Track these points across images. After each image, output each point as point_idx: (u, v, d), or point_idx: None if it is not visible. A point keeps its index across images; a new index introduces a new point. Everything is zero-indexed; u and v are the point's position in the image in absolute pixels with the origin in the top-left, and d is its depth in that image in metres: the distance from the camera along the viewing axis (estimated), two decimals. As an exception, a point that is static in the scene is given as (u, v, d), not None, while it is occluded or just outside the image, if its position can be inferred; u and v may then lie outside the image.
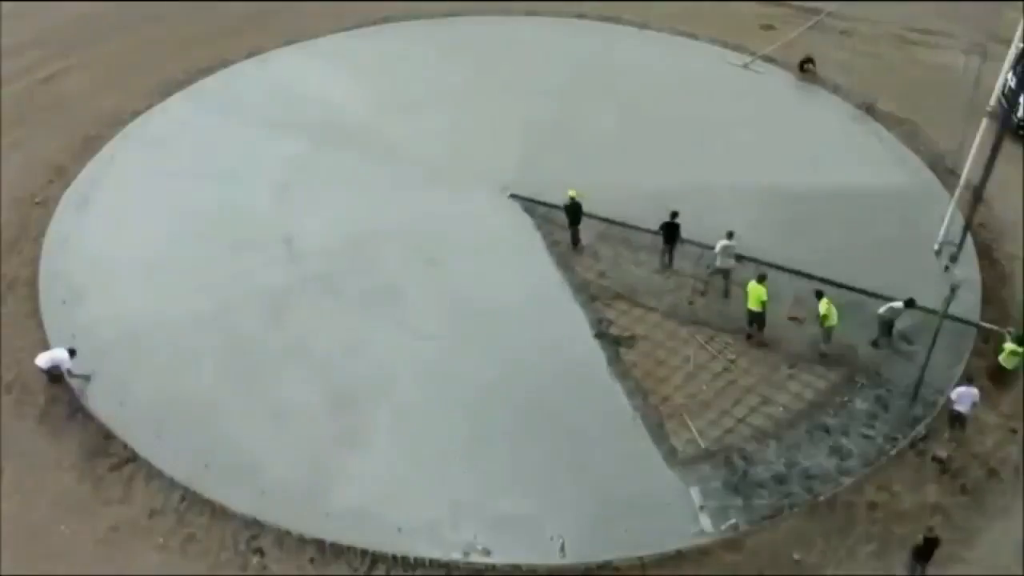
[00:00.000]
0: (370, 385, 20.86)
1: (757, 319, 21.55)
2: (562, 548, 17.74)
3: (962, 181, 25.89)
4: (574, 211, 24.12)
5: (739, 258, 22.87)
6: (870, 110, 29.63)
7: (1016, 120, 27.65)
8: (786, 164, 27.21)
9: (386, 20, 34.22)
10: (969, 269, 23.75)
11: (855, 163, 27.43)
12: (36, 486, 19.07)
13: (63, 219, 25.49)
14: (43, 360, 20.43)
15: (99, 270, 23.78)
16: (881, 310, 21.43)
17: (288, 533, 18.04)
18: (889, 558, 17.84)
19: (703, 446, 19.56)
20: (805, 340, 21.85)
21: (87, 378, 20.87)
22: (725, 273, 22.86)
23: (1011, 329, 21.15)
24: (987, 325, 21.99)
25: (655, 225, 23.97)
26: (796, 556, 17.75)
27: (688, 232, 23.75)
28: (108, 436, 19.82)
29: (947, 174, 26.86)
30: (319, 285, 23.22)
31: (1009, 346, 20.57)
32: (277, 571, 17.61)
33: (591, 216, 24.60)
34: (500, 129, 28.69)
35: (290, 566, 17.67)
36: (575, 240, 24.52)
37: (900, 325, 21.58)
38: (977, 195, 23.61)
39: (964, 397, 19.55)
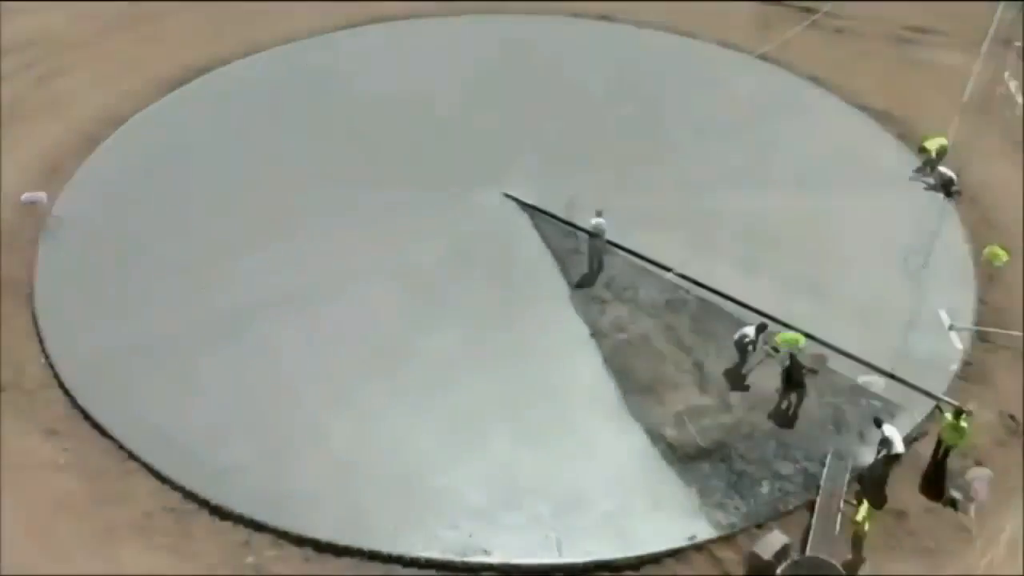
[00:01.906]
0: (369, 386, 20.82)
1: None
2: (559, 547, 17.75)
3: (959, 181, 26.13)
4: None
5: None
6: (884, 118, 29.52)
7: None
8: (785, 165, 27.32)
9: (384, 19, 34.23)
10: (966, 271, 23.88)
11: (850, 162, 27.47)
12: (34, 486, 19.00)
13: (61, 219, 25.34)
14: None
15: (97, 270, 23.74)
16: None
17: (285, 533, 18.00)
18: (889, 558, 17.87)
19: (702, 445, 19.57)
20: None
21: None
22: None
23: (970, 408, 19.57)
24: (947, 399, 20.36)
25: (651, 228, 24.14)
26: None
27: (685, 249, 24.07)
28: (106, 435, 19.78)
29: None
30: (320, 285, 23.15)
31: (948, 416, 18.98)
32: (274, 571, 17.57)
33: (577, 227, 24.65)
34: (497, 128, 28.74)
35: (287, 566, 17.63)
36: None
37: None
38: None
39: (980, 481, 18.85)
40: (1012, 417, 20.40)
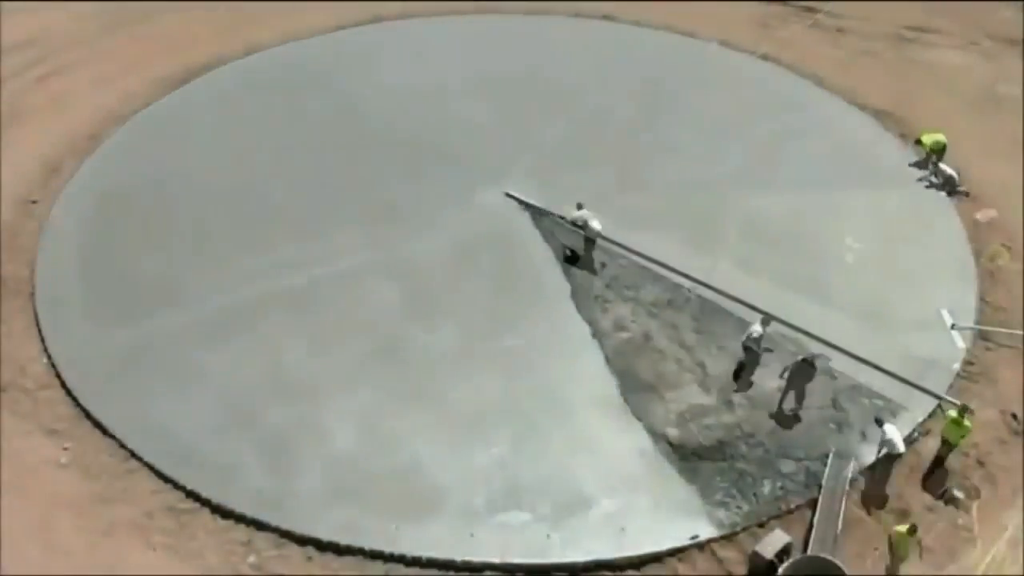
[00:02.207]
0: (370, 385, 20.78)
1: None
2: (559, 546, 17.71)
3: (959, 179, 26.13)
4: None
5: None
6: (885, 117, 29.44)
7: None
8: (786, 164, 27.32)
9: (384, 19, 34.25)
10: (967, 271, 23.89)
11: (851, 161, 27.48)
12: (35, 485, 19.00)
13: (61, 218, 25.39)
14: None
15: (98, 270, 23.73)
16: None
17: (287, 532, 18.01)
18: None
19: (704, 444, 19.54)
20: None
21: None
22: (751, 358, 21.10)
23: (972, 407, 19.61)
24: (950, 399, 20.31)
25: (651, 227, 24.29)
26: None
27: (685, 248, 24.00)
28: (108, 435, 19.78)
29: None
30: (331, 286, 23.14)
31: (952, 413, 18.92)
32: (276, 570, 17.57)
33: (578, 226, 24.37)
34: (499, 127, 28.75)
35: (289, 565, 17.63)
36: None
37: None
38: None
39: None
40: (1014, 416, 20.42)
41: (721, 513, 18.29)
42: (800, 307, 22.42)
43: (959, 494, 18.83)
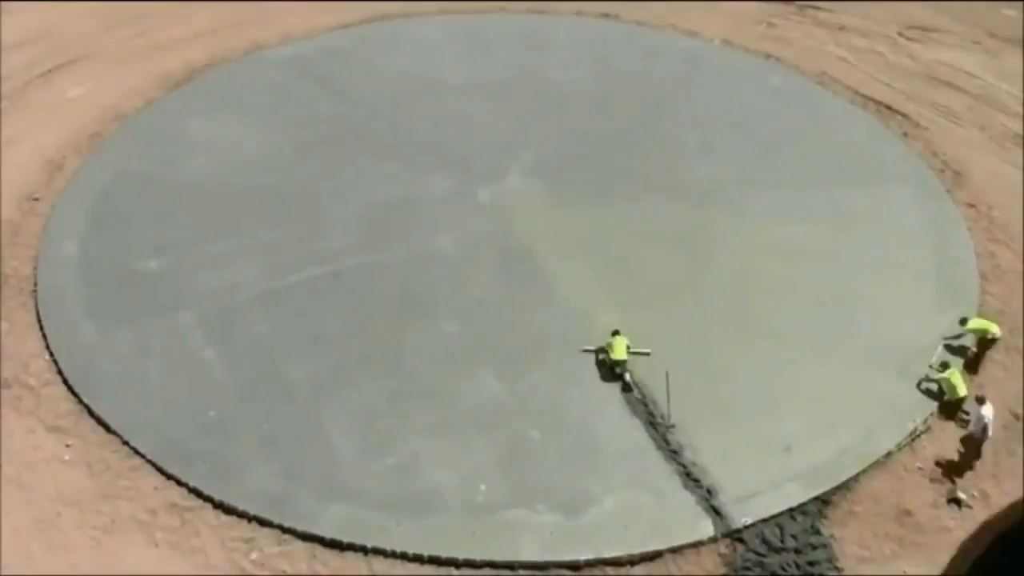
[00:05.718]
0: (373, 383, 20.83)
1: None
2: (562, 543, 17.72)
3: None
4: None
5: None
6: (887, 117, 29.41)
7: None
8: (788, 163, 27.35)
9: (385, 18, 34.29)
10: (968, 269, 23.90)
11: (853, 161, 27.49)
12: (36, 482, 19.02)
13: (63, 216, 25.40)
14: None
15: (99, 267, 23.75)
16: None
17: (290, 529, 18.03)
18: (894, 555, 17.89)
19: (707, 441, 19.57)
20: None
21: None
22: None
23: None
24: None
25: (653, 226, 24.11)
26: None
27: (687, 248, 23.92)
28: (110, 432, 19.80)
29: (944, 171, 27.02)
30: (332, 285, 23.20)
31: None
32: (279, 567, 17.59)
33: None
34: (501, 125, 28.81)
35: (291, 562, 17.65)
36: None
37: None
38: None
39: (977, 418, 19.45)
40: (1016, 417, 20.44)
41: (724, 510, 18.27)
42: (803, 306, 22.54)
43: (963, 495, 18.86)
